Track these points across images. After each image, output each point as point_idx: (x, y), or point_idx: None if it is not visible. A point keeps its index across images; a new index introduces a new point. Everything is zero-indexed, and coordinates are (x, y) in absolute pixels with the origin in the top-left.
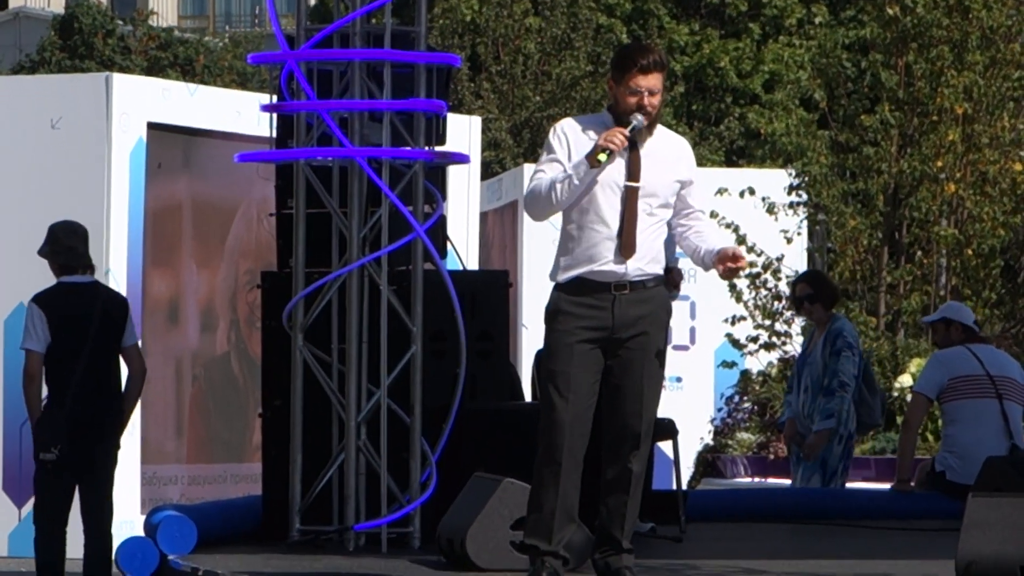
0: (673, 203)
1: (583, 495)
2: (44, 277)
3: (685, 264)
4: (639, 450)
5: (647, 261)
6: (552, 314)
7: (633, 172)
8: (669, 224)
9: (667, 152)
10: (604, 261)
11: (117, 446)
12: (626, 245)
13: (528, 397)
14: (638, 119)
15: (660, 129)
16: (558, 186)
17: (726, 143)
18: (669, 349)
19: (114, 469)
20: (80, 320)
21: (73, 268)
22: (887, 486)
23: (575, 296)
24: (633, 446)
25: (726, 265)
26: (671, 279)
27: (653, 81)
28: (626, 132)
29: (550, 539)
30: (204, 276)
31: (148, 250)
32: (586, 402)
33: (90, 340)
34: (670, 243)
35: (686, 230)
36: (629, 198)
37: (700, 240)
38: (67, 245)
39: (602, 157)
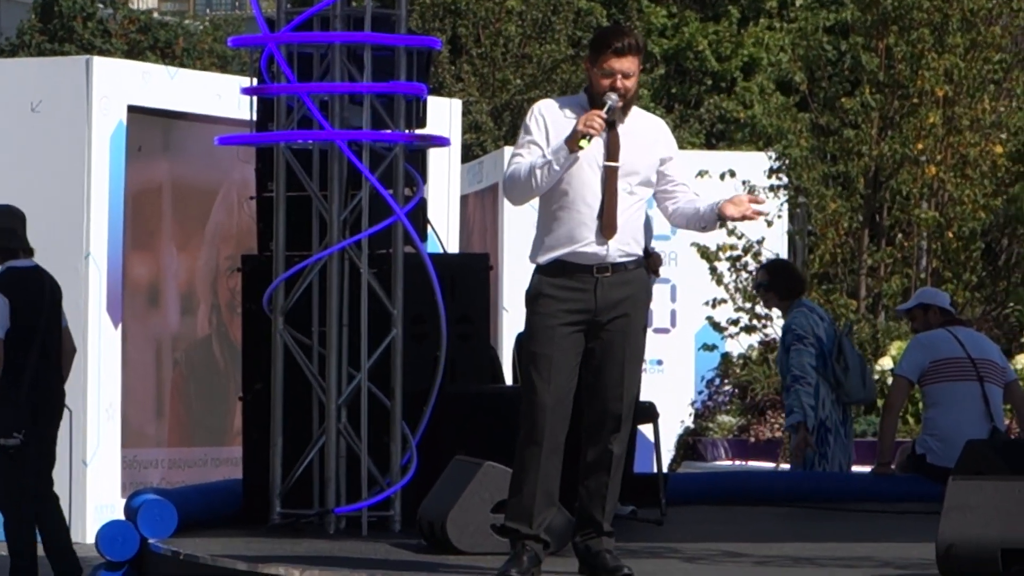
0: (653, 182)
1: (564, 478)
2: None
3: (666, 247)
4: (619, 432)
5: (628, 242)
6: (533, 297)
7: (612, 152)
8: (658, 200)
9: (645, 131)
10: (585, 242)
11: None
12: (607, 225)
13: (509, 380)
14: (612, 98)
15: (637, 110)
16: (538, 172)
17: (706, 125)
18: (650, 332)
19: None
20: (33, 304)
21: (15, 252)
22: (868, 469)
23: (556, 278)
24: (614, 428)
25: (745, 205)
26: (651, 263)
27: (627, 64)
28: (603, 114)
29: (531, 522)
30: (184, 259)
31: (128, 233)
32: (567, 385)
33: (43, 324)
34: (647, 227)
35: (676, 201)
36: (609, 178)
37: (697, 203)
38: (8, 227)
39: (583, 143)
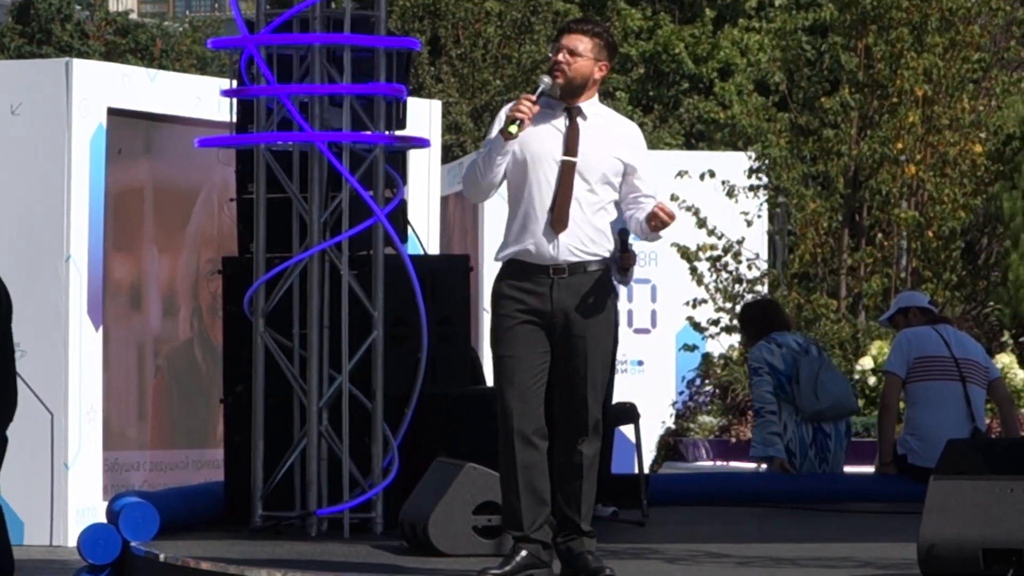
0: (616, 184)
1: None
2: (3, 262)
3: (645, 247)
4: (588, 435)
5: (584, 240)
6: (495, 298)
7: (570, 147)
8: (622, 208)
9: (611, 131)
10: (536, 238)
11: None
12: (557, 218)
13: (490, 382)
14: (544, 81)
15: (610, 112)
16: (479, 161)
17: (685, 126)
18: (631, 332)
19: None
20: None
21: None
22: (855, 469)
23: (513, 280)
24: (581, 432)
25: (656, 215)
26: (623, 261)
27: (574, 41)
28: (532, 97)
29: (520, 525)
30: (165, 261)
31: (109, 235)
32: (534, 383)
33: (3, 330)
34: (622, 229)
35: (633, 212)
36: (564, 172)
37: (640, 213)
38: None
39: (512, 129)
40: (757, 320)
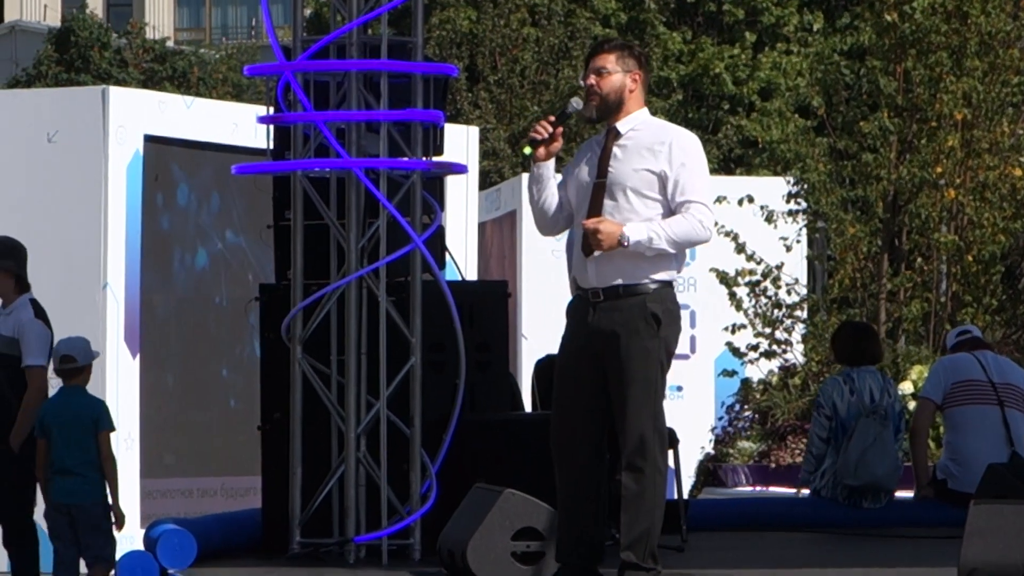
0: (657, 198)
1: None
2: (42, 290)
3: (685, 272)
4: (629, 464)
5: (619, 263)
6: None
7: (600, 168)
8: None
9: (647, 142)
10: (578, 263)
11: None
12: (585, 244)
13: (528, 408)
14: (572, 103)
15: (656, 123)
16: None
17: (724, 151)
18: None
19: None
20: None
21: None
22: (895, 494)
23: (573, 304)
24: (617, 461)
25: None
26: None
27: (599, 62)
28: (551, 118)
29: (558, 550)
30: None
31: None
32: (577, 409)
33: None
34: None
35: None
36: (594, 194)
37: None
38: (25, 259)
39: (526, 150)
40: (848, 345)
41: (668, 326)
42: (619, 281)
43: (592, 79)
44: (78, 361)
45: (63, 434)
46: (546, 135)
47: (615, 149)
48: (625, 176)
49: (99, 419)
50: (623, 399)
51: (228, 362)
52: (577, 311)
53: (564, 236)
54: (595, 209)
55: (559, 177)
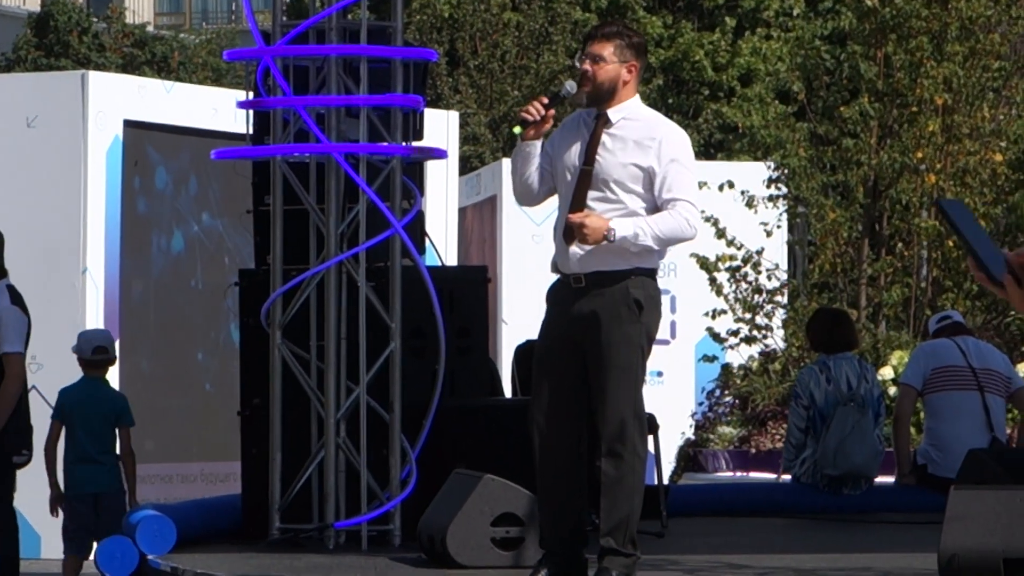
0: (641, 193)
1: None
2: (21, 276)
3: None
4: (608, 450)
5: (599, 249)
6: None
7: (588, 155)
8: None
9: (637, 135)
10: (560, 248)
11: None
12: (568, 228)
13: (508, 393)
14: (565, 86)
15: (648, 115)
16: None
17: (704, 136)
18: None
19: None
20: None
21: (5, 271)
22: (876, 480)
23: (551, 290)
24: (595, 447)
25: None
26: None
27: (597, 47)
28: (544, 100)
29: (541, 539)
30: None
31: (143, 258)
32: (558, 393)
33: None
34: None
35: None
36: (580, 180)
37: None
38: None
39: (516, 129)
40: (822, 333)
41: (649, 312)
42: (601, 268)
43: (587, 65)
44: (110, 353)
45: (86, 425)
46: (538, 117)
47: (604, 138)
48: (612, 168)
49: (121, 414)
50: (603, 385)
51: (204, 346)
52: (558, 296)
53: (545, 221)
54: (579, 198)
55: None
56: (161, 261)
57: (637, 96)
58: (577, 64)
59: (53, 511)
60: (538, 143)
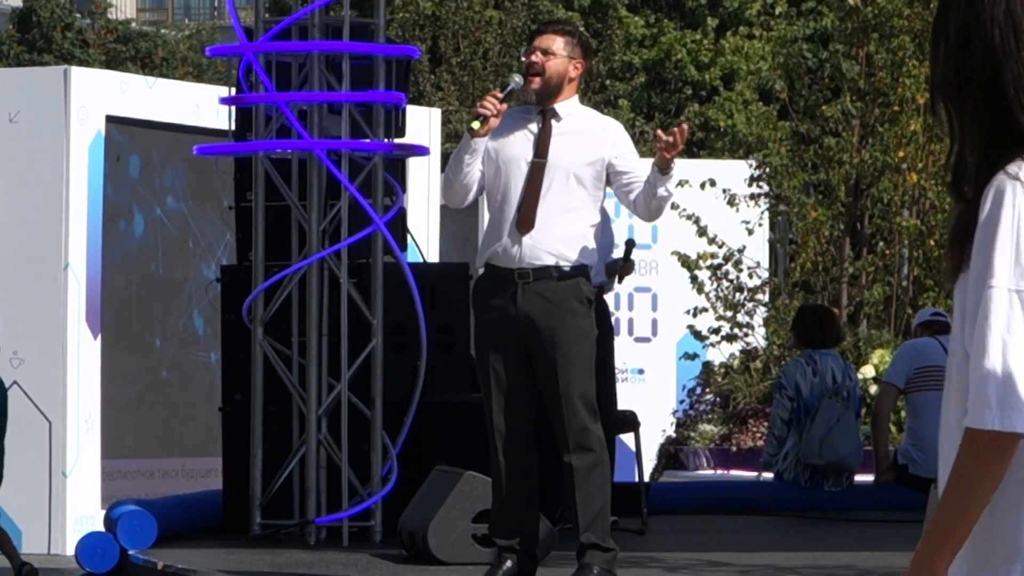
0: (597, 185)
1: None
2: (2, 271)
3: (647, 256)
4: (570, 448)
5: (553, 243)
6: (473, 304)
7: (540, 148)
8: (620, 198)
9: (588, 130)
10: (504, 241)
11: None
12: (523, 218)
13: None
14: (515, 80)
15: (589, 111)
16: (450, 162)
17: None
18: (631, 341)
19: None
20: None
21: None
22: (856, 478)
23: (487, 284)
24: (562, 443)
25: (659, 138)
26: (622, 271)
27: (547, 41)
28: (498, 95)
29: (505, 534)
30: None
31: (107, 244)
32: (511, 389)
33: None
34: (604, 239)
35: (633, 191)
36: (532, 172)
37: (640, 187)
38: None
39: (474, 124)
40: (809, 328)
41: (594, 308)
42: (551, 262)
43: (536, 56)
44: None
45: None
46: (494, 111)
47: (555, 131)
48: (568, 161)
49: None
50: (554, 381)
51: (162, 333)
52: (493, 293)
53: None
54: (534, 188)
55: None
56: (124, 245)
57: (577, 96)
58: (523, 58)
59: None
60: (484, 140)
